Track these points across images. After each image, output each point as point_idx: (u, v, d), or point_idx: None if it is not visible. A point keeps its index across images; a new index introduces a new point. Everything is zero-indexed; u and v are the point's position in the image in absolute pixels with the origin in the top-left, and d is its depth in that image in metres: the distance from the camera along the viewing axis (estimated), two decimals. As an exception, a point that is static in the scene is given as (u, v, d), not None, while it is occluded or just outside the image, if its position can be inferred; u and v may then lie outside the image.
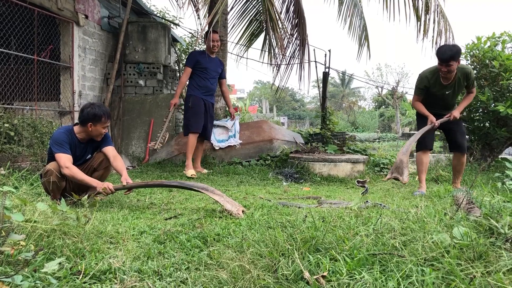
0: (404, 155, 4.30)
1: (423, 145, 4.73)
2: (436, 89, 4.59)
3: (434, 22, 7.27)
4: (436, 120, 4.56)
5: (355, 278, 1.71)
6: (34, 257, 1.90)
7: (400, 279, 1.65)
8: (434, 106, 4.70)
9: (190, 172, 5.71)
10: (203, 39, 6.26)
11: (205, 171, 6.21)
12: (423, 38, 7.30)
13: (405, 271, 1.70)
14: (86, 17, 7.43)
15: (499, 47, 6.61)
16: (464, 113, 4.98)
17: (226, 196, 3.50)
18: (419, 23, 7.27)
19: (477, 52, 6.66)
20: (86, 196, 3.28)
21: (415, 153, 5.02)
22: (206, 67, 6.14)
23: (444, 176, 5.83)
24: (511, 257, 1.72)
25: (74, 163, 3.57)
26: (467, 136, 5.03)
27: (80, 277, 1.84)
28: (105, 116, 3.65)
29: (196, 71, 6.15)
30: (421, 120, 4.81)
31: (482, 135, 6.75)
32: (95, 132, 3.67)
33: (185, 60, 7.62)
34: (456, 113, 4.59)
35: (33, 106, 6.36)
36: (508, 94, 6.21)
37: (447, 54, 4.27)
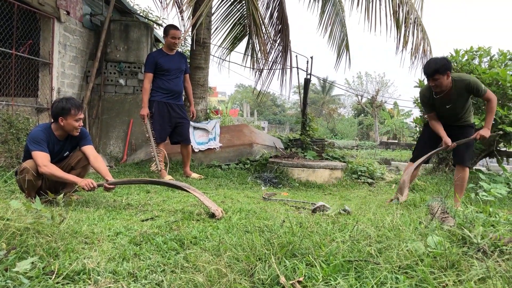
0: (406, 175, 4.42)
1: (415, 158, 4.55)
2: (436, 104, 4.38)
3: (413, 34, 7.42)
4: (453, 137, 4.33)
5: (331, 284, 1.72)
6: (6, 256, 1.86)
7: (375, 286, 1.67)
8: (444, 118, 4.46)
9: (168, 177, 5.63)
10: (164, 35, 5.81)
11: (196, 175, 5.95)
12: (402, 49, 7.44)
13: (380, 278, 1.72)
14: (68, 13, 7.32)
15: (476, 61, 6.78)
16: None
17: (206, 197, 3.49)
18: (399, 34, 7.40)
19: (455, 65, 6.82)
20: (61, 195, 3.22)
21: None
22: (168, 68, 5.73)
23: (419, 185, 5.92)
24: (482, 267, 1.76)
25: (52, 160, 3.50)
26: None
27: (53, 277, 1.81)
28: (74, 108, 3.54)
29: (157, 74, 5.75)
30: (425, 130, 4.64)
31: (458, 146, 6.88)
32: (68, 126, 3.58)
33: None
34: (483, 132, 4.24)
35: (10, 102, 6.22)
36: (483, 107, 6.36)
37: (431, 68, 4.07)
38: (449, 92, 4.21)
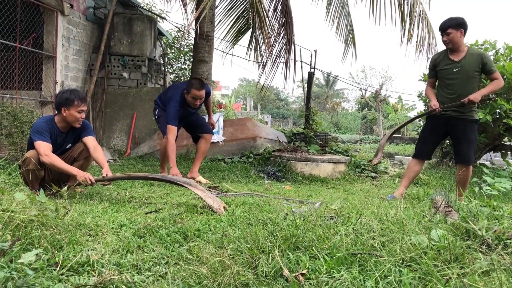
0: (384, 138, 4.87)
1: (418, 153, 4.52)
2: (443, 65, 4.36)
3: (418, 28, 7.37)
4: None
5: (334, 277, 1.72)
6: (11, 247, 1.87)
7: (378, 278, 1.67)
8: (445, 90, 4.38)
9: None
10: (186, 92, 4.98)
11: (202, 180, 5.05)
12: (407, 43, 7.39)
13: (383, 271, 1.72)
14: (71, 6, 7.31)
15: (481, 55, 6.73)
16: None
17: (208, 192, 3.49)
18: (404, 27, 7.35)
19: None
20: (65, 188, 3.23)
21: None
22: (184, 116, 5.08)
23: (423, 180, 5.91)
24: (486, 260, 1.75)
25: (54, 152, 3.52)
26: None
27: (57, 268, 1.82)
28: (78, 99, 3.57)
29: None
30: (427, 125, 4.58)
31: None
32: (71, 117, 3.59)
33: (170, 54, 7.31)
34: (474, 95, 4.12)
35: (14, 95, 6.23)
36: (488, 102, 6.32)
37: (446, 23, 4.22)
38: (461, 56, 4.29)
